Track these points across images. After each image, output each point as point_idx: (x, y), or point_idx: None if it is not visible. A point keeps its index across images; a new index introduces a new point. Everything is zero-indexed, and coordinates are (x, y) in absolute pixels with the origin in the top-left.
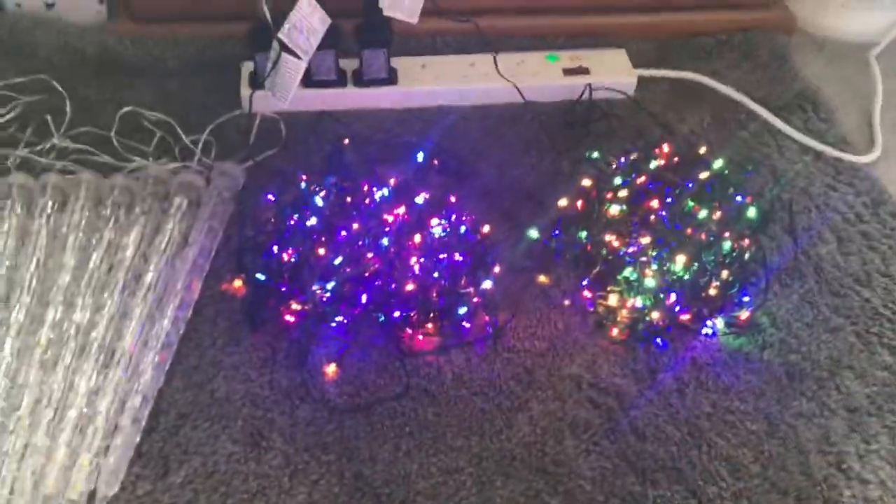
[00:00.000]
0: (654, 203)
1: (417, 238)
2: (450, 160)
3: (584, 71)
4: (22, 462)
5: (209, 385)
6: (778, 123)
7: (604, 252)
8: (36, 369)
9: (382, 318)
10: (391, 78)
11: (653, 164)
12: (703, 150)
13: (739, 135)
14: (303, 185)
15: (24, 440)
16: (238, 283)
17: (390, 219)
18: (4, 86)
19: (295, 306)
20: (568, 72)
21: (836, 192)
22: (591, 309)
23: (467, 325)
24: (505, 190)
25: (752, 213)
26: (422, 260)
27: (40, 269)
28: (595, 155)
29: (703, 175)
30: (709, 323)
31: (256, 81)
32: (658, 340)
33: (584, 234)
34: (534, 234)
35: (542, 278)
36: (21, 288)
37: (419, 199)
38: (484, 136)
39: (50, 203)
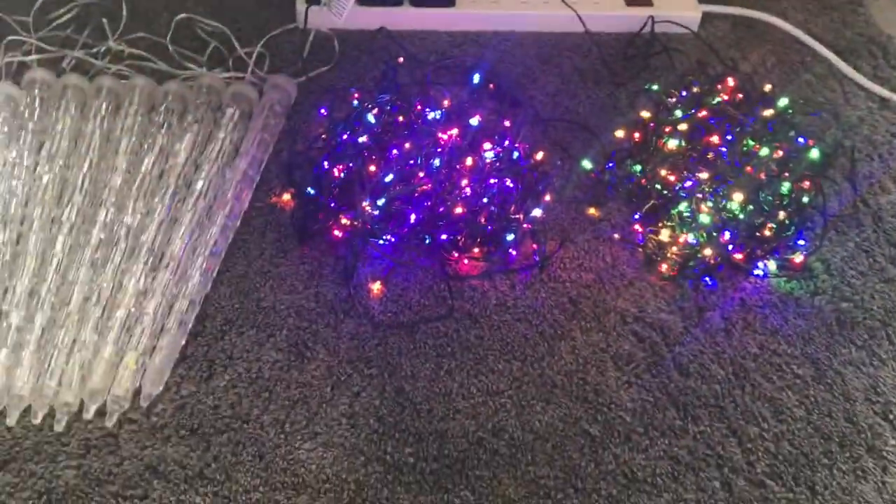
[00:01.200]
0: (714, 139)
1: (469, 161)
2: (504, 85)
3: (647, 2)
4: (70, 357)
5: (255, 294)
6: (845, 68)
7: (658, 186)
8: (86, 267)
9: (429, 239)
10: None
11: (715, 99)
12: (767, 87)
13: (804, 77)
14: (355, 102)
15: (72, 335)
16: (287, 196)
17: (443, 139)
18: None
19: (344, 221)
20: (630, 2)
21: None
22: (641, 244)
23: (514, 252)
24: (559, 119)
25: (814, 154)
26: (472, 183)
27: (93, 170)
28: (654, 87)
29: (767, 113)
30: (760, 264)
31: None
32: (707, 279)
33: (638, 167)
34: (587, 165)
35: (593, 211)
36: (74, 187)
37: (473, 121)
38: (540, 63)
39: (104, 106)
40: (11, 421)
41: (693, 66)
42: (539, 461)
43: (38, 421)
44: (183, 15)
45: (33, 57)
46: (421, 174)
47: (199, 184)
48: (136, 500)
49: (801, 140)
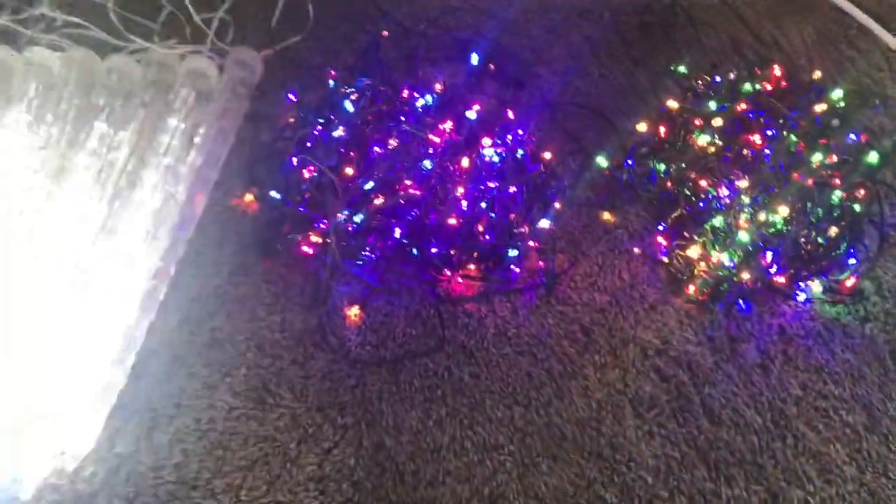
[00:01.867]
0: (755, 138)
1: (465, 162)
2: (507, 65)
3: None
4: None
5: (209, 322)
6: (891, 40)
7: (686, 192)
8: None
9: (417, 253)
10: None
11: (755, 86)
12: (816, 74)
13: (847, 54)
14: (331, 83)
15: None
16: (250, 197)
17: (434, 140)
18: None
19: (315, 238)
20: None
21: None
22: (665, 259)
23: (516, 269)
24: (570, 104)
25: (872, 158)
26: (469, 189)
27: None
28: (681, 69)
29: (819, 108)
30: (802, 285)
31: None
32: (740, 302)
33: (662, 166)
34: (602, 161)
35: (607, 216)
36: None
37: (470, 114)
38: (547, 34)
39: (34, 85)
40: None
41: (723, 44)
42: None
43: None
44: None
45: None
46: (408, 182)
47: (145, 185)
48: None
49: (852, 137)
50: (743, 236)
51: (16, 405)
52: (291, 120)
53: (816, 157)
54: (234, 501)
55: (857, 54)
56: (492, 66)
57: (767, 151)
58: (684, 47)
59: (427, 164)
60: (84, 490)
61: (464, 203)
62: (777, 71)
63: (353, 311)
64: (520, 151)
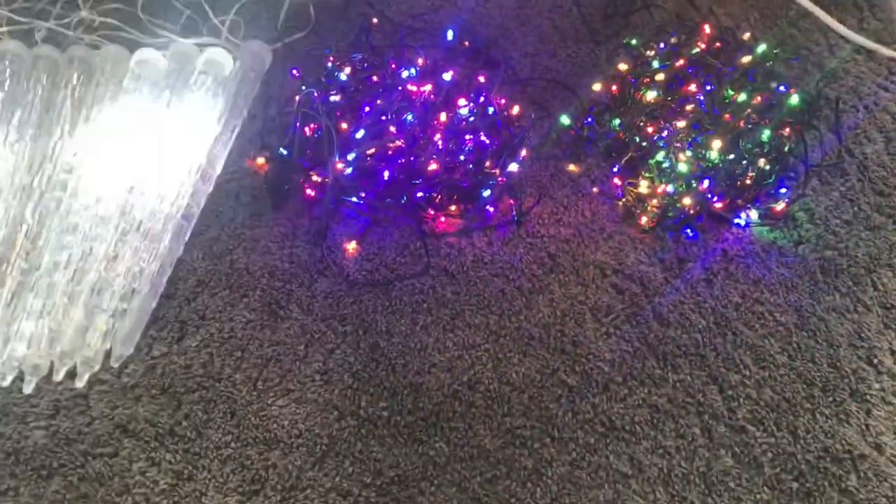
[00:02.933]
0: (692, 87)
1: (443, 117)
2: (480, 43)
3: None
4: (40, 320)
5: (228, 256)
6: (830, 21)
7: (637, 139)
8: (56, 233)
9: (405, 197)
10: None
11: (693, 50)
12: (746, 35)
13: (789, 32)
14: (329, 64)
15: (42, 300)
16: (261, 160)
17: (414, 91)
18: None
19: (316, 179)
20: None
21: (888, 93)
22: (621, 197)
23: (491, 209)
24: (537, 77)
25: (794, 100)
26: (447, 140)
27: (64, 139)
28: (633, 41)
29: (745, 60)
30: (742, 214)
31: None
32: (688, 230)
33: (617, 121)
34: (565, 120)
35: (572, 167)
36: (44, 156)
37: (446, 76)
38: (519, 24)
39: (76, 75)
40: None
41: (674, 23)
42: (515, 412)
43: (6, 383)
44: None
45: (4, 28)
46: (393, 129)
47: (174, 149)
48: (105, 458)
49: (781, 88)
50: (682, 168)
51: (79, 317)
52: (294, 94)
53: (742, 98)
54: (252, 389)
55: (797, 32)
56: (466, 44)
57: (702, 98)
58: (640, 28)
59: (409, 116)
60: (127, 382)
61: (441, 146)
62: (707, 30)
63: (351, 245)
64: (490, 109)
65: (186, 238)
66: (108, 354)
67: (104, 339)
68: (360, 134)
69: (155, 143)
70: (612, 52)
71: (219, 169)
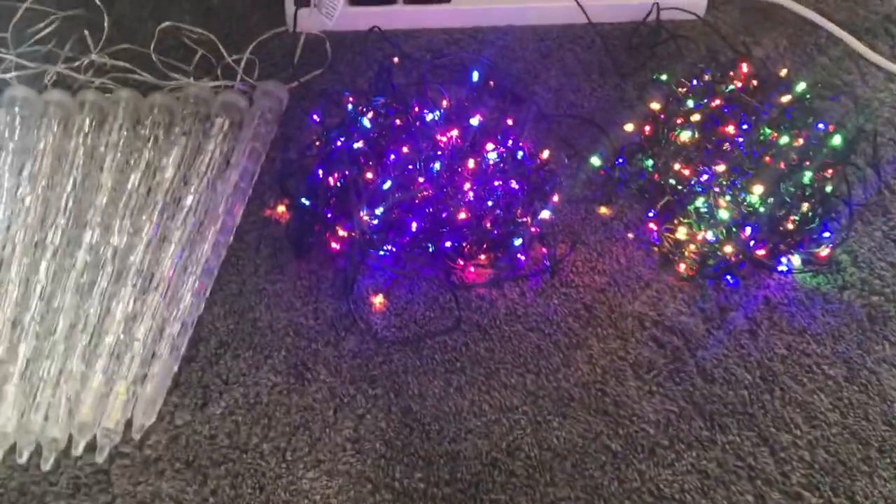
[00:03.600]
0: (730, 129)
1: (471, 163)
2: (505, 82)
3: None
4: (57, 388)
5: (251, 313)
6: (861, 48)
7: (672, 182)
8: (72, 293)
9: (433, 248)
10: None
11: (728, 87)
12: (783, 72)
13: (819, 61)
14: (349, 106)
15: (59, 366)
16: (281, 208)
17: (442, 141)
18: None
19: (341, 233)
20: None
21: None
22: (657, 243)
23: (522, 257)
24: (564, 115)
25: (836, 141)
26: (475, 187)
27: (77, 189)
28: (664, 77)
29: (784, 99)
30: (784, 259)
31: None
32: (728, 277)
33: (650, 162)
34: (596, 161)
35: (604, 210)
36: (57, 209)
37: (473, 121)
38: (541, 58)
39: (87, 121)
40: None
41: (703, 54)
42: (558, 481)
43: (23, 460)
44: (167, 23)
45: (13, 74)
46: (421, 179)
47: (189, 199)
48: None
49: (821, 126)
50: (723, 214)
51: (97, 385)
52: (315, 139)
53: (784, 140)
54: (281, 461)
55: (828, 61)
56: (491, 84)
57: (740, 140)
58: (667, 60)
59: (437, 165)
60: (150, 454)
61: (470, 195)
62: (745, 68)
63: (378, 299)
64: (519, 153)
65: (207, 294)
66: (128, 424)
67: (124, 408)
68: (387, 185)
69: (171, 193)
70: (640, 86)
71: (238, 219)
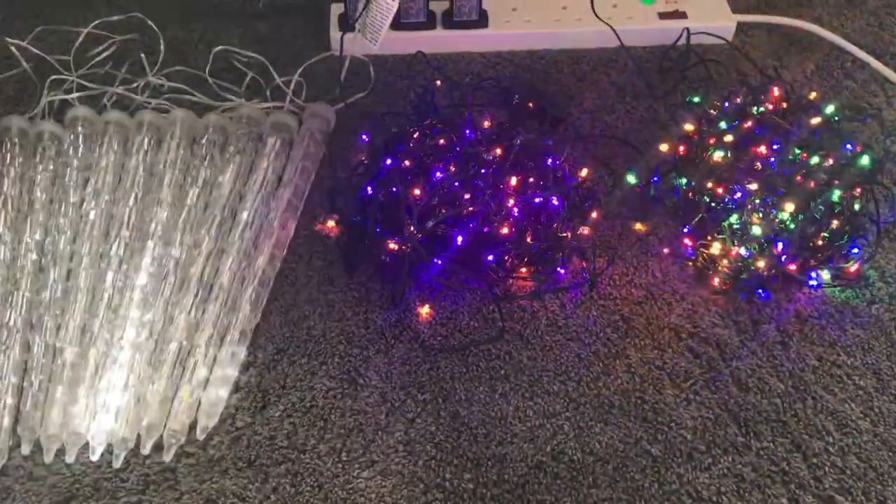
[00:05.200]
0: (762, 149)
1: (514, 181)
2: (543, 105)
3: (680, 15)
4: (125, 392)
5: (305, 322)
6: (887, 72)
7: (706, 199)
8: (136, 302)
9: (476, 259)
10: (482, 20)
11: (758, 109)
12: (812, 95)
13: (845, 84)
14: (394, 128)
15: (126, 371)
16: (331, 223)
17: (486, 159)
18: (100, 24)
19: (392, 246)
20: (664, 15)
21: None
22: (692, 258)
23: (562, 270)
24: (599, 136)
25: (864, 161)
26: (517, 203)
27: (138, 204)
28: (696, 99)
29: (814, 121)
30: (814, 274)
31: (347, 23)
32: (760, 291)
33: (683, 180)
34: (631, 179)
35: (639, 226)
36: (120, 222)
37: (516, 141)
38: (576, 80)
39: (146, 140)
40: (70, 458)
41: (733, 78)
42: (601, 483)
43: (96, 458)
44: (220, 47)
45: (75, 95)
46: (466, 196)
47: (245, 214)
48: None
49: (848, 147)
50: (756, 230)
51: (163, 389)
52: (363, 158)
53: (815, 160)
54: (337, 461)
55: (854, 84)
56: (530, 106)
57: (772, 160)
58: (698, 83)
59: (481, 182)
60: (214, 454)
61: (514, 212)
62: (776, 91)
63: (425, 310)
64: (558, 172)
65: (263, 304)
66: (192, 426)
67: (189, 411)
68: (433, 201)
69: (228, 209)
70: (671, 107)
71: (291, 233)
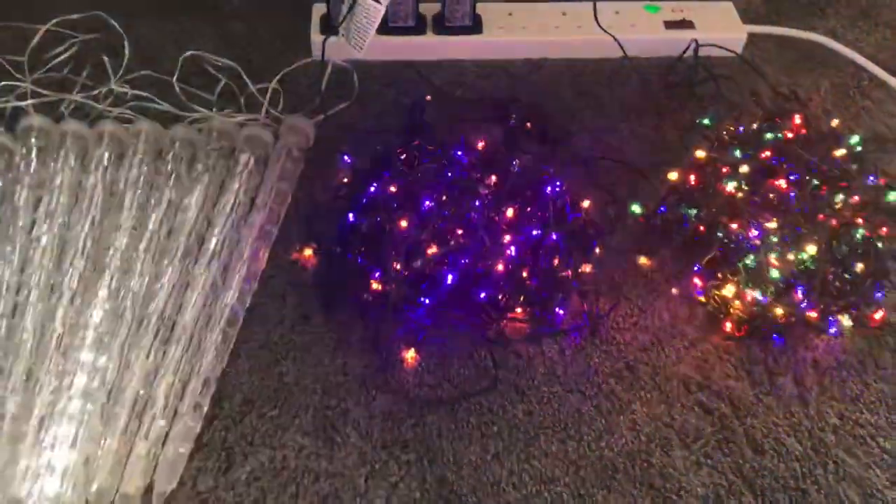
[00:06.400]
0: (781, 182)
1: (510, 213)
2: (541, 123)
3: (687, 24)
4: (73, 450)
5: (277, 367)
6: None
7: (718, 234)
8: (89, 343)
9: (467, 300)
10: (476, 26)
11: (775, 135)
12: (834, 122)
13: (863, 105)
14: (379, 147)
15: (75, 426)
16: (308, 252)
17: (481, 188)
18: (59, 22)
19: (375, 286)
20: (670, 25)
21: None
22: (702, 299)
23: (561, 311)
24: (601, 158)
25: (892, 196)
26: (513, 237)
27: (95, 229)
28: (706, 121)
29: (839, 153)
30: (835, 321)
31: (329, 26)
32: (776, 337)
33: (693, 211)
34: (636, 209)
35: (644, 260)
36: (75, 250)
37: (512, 168)
38: (576, 94)
39: (106, 155)
40: None
41: (745, 98)
42: None
43: None
44: (191, 52)
45: (29, 102)
46: (459, 231)
47: (213, 242)
48: None
49: (871, 179)
50: (774, 273)
51: (116, 441)
52: (345, 180)
53: (839, 198)
54: None
55: (871, 104)
56: (528, 125)
57: (792, 194)
58: (708, 101)
59: (474, 214)
60: None
61: (512, 249)
62: (797, 119)
63: (410, 354)
64: (558, 202)
65: (230, 347)
66: (148, 489)
67: (145, 472)
68: (422, 235)
69: (194, 235)
70: (679, 128)
71: (263, 264)
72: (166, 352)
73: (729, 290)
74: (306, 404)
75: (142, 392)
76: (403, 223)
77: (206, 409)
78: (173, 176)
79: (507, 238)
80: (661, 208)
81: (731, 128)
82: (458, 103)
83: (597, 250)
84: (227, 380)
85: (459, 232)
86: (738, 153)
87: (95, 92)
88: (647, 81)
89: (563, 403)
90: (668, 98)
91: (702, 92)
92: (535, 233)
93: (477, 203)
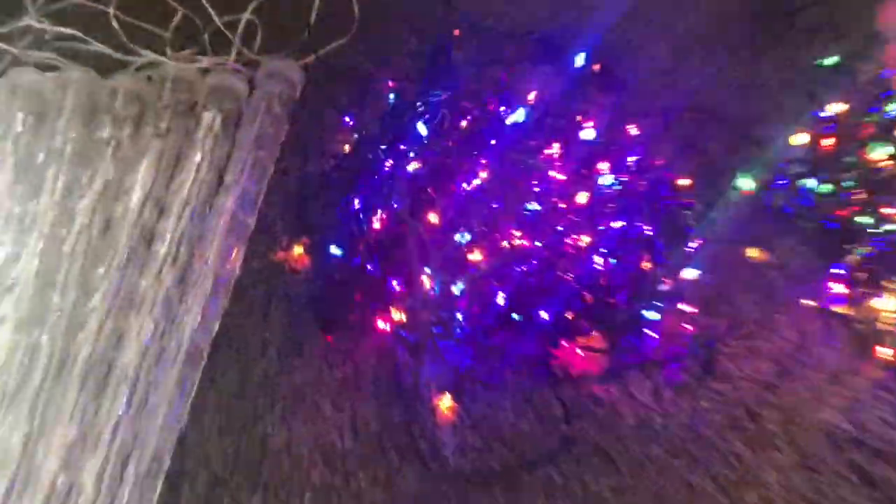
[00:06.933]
0: None
1: (583, 198)
2: (606, 64)
3: None
4: None
5: (258, 426)
6: None
7: (864, 220)
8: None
9: (522, 319)
10: None
11: None
12: None
13: None
14: (391, 97)
15: None
16: (300, 250)
17: (539, 164)
18: None
19: (395, 312)
20: None
21: None
22: (843, 311)
23: (653, 335)
24: (685, 109)
25: None
26: (586, 232)
27: (7, 219)
28: (828, 62)
29: None
30: None
31: None
32: None
33: (825, 188)
34: (744, 183)
35: (755, 253)
36: None
37: (585, 133)
38: (643, 26)
39: (20, 117)
40: None
41: (864, 27)
42: None
43: None
44: None
45: None
46: (517, 233)
47: (165, 239)
48: None
49: None
50: None
51: None
52: (346, 148)
53: None
54: None
55: None
56: (595, 68)
57: None
58: (814, 30)
59: (534, 205)
60: None
61: (598, 260)
62: None
63: (445, 402)
64: (645, 181)
65: (191, 396)
66: None
67: None
68: (464, 238)
69: (140, 230)
70: (779, 68)
71: (237, 268)
72: (98, 410)
73: (882, 303)
74: (300, 484)
75: (62, 478)
76: (433, 217)
77: (155, 497)
78: (112, 145)
79: (587, 239)
80: (779, 181)
81: (871, 71)
82: (495, 41)
83: (693, 245)
84: (186, 449)
85: (517, 234)
86: (892, 108)
87: (8, 29)
88: (725, 6)
89: (665, 472)
90: (756, 25)
91: (803, 19)
92: (616, 225)
93: (534, 185)
